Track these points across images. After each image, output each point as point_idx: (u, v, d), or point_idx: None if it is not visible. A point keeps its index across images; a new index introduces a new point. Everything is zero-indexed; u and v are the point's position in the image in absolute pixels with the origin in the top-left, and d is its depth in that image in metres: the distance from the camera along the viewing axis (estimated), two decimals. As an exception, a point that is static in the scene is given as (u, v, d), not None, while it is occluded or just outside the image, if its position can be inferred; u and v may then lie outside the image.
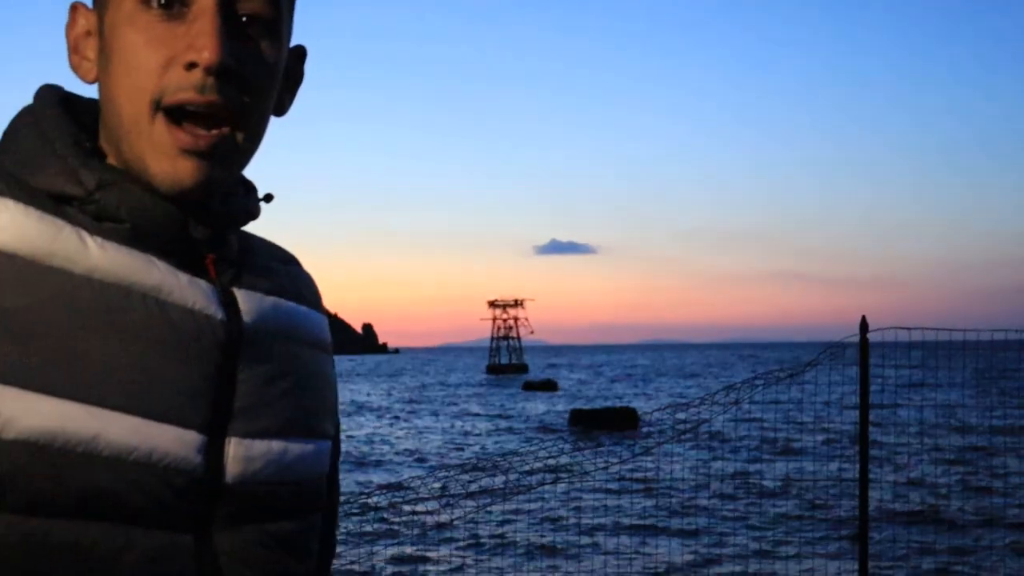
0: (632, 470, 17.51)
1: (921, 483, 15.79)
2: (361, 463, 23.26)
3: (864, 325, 7.43)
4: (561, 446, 8.51)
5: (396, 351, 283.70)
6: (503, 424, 35.63)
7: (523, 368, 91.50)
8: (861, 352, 7.38)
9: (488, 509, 12.89)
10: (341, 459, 1.20)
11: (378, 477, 19.83)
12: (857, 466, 7.46)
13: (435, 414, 42.86)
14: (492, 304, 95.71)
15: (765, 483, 15.94)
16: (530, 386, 62.27)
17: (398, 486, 8.05)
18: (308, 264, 1.22)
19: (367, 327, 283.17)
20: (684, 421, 9.74)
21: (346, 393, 60.94)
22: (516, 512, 13.65)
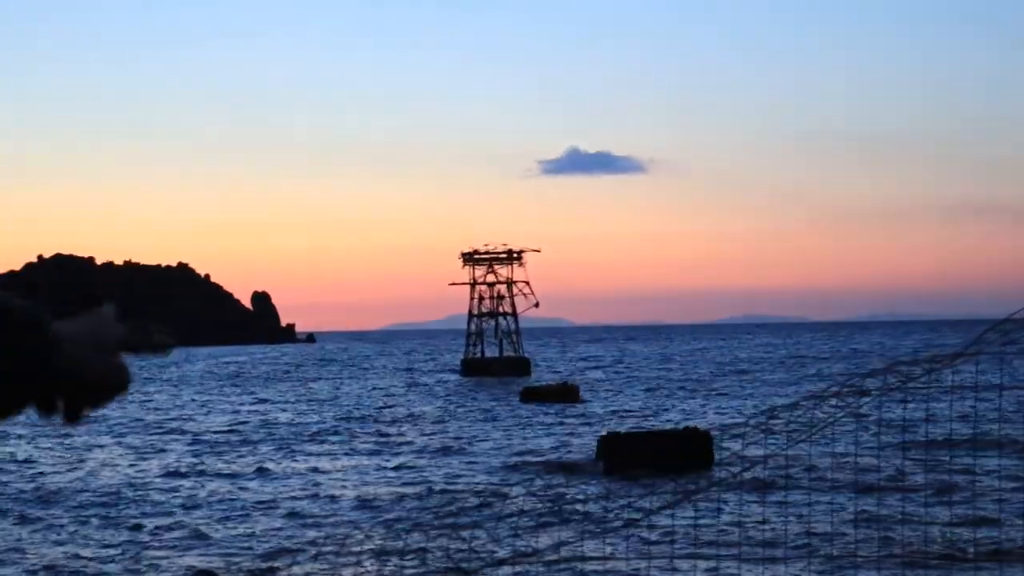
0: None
1: None
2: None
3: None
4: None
5: (310, 338, 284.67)
6: (458, 466, 36.25)
7: (523, 365, 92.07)
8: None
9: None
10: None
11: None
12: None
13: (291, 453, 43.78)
14: (469, 259, 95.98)
15: None
16: (533, 394, 62.91)
17: None
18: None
19: (260, 299, 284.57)
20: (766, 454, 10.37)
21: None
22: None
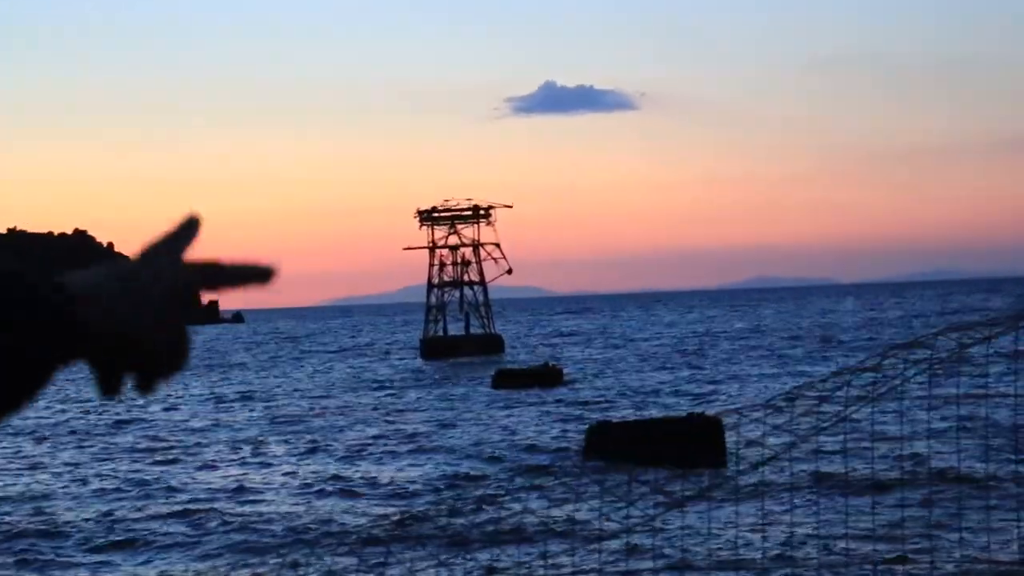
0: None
1: None
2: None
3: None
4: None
5: (237, 317, 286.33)
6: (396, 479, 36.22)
7: (494, 344, 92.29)
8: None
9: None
10: None
11: None
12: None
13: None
14: (426, 218, 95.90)
15: None
16: (508, 378, 63.22)
17: None
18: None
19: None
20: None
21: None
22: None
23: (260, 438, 45.92)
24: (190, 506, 30.95)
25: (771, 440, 11.03)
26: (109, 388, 1.61)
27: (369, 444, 42.14)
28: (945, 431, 26.72)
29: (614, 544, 17.09)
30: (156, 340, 1.61)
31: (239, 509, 30.55)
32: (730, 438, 30.03)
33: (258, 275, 1.70)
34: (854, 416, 10.50)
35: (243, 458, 40.31)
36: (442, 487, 31.64)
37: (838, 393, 10.60)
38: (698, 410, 38.75)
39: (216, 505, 31.03)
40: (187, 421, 53.81)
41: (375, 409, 54.95)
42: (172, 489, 34.11)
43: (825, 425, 10.64)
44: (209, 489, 33.92)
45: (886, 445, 24.72)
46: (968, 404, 21.89)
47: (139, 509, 30.94)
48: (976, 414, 27.08)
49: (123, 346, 1.60)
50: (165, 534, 27.71)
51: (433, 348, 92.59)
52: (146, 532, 28.02)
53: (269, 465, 38.38)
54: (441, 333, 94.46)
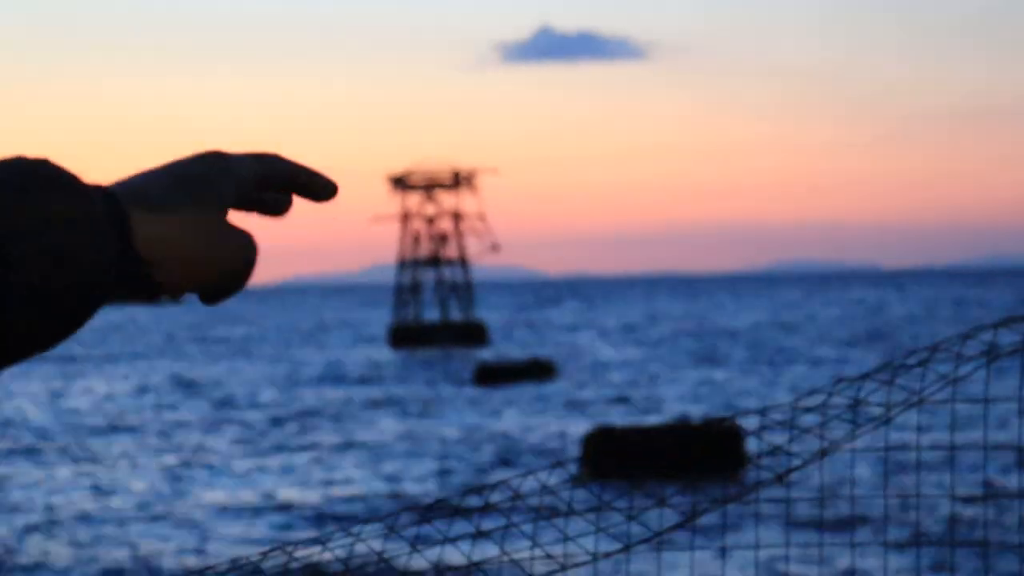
0: None
1: None
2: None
3: None
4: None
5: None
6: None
7: (476, 332, 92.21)
8: None
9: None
10: None
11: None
12: None
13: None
14: (399, 184, 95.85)
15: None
16: (492, 373, 63.47)
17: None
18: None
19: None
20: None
21: None
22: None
23: (201, 435, 45.79)
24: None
25: (797, 447, 10.95)
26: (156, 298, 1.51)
27: (311, 452, 41.75)
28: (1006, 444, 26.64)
29: None
30: (220, 256, 1.51)
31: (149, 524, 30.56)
32: (750, 445, 30.02)
33: (320, 187, 1.59)
34: (897, 420, 10.43)
35: (170, 464, 40.18)
36: (402, 497, 31.56)
37: (879, 393, 10.48)
38: (712, 415, 38.75)
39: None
40: (107, 414, 53.64)
41: (328, 409, 54.74)
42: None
43: (862, 431, 10.52)
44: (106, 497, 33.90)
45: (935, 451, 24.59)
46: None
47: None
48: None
49: (183, 269, 1.49)
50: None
51: (403, 335, 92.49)
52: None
53: (180, 479, 38.21)
54: (413, 318, 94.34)
